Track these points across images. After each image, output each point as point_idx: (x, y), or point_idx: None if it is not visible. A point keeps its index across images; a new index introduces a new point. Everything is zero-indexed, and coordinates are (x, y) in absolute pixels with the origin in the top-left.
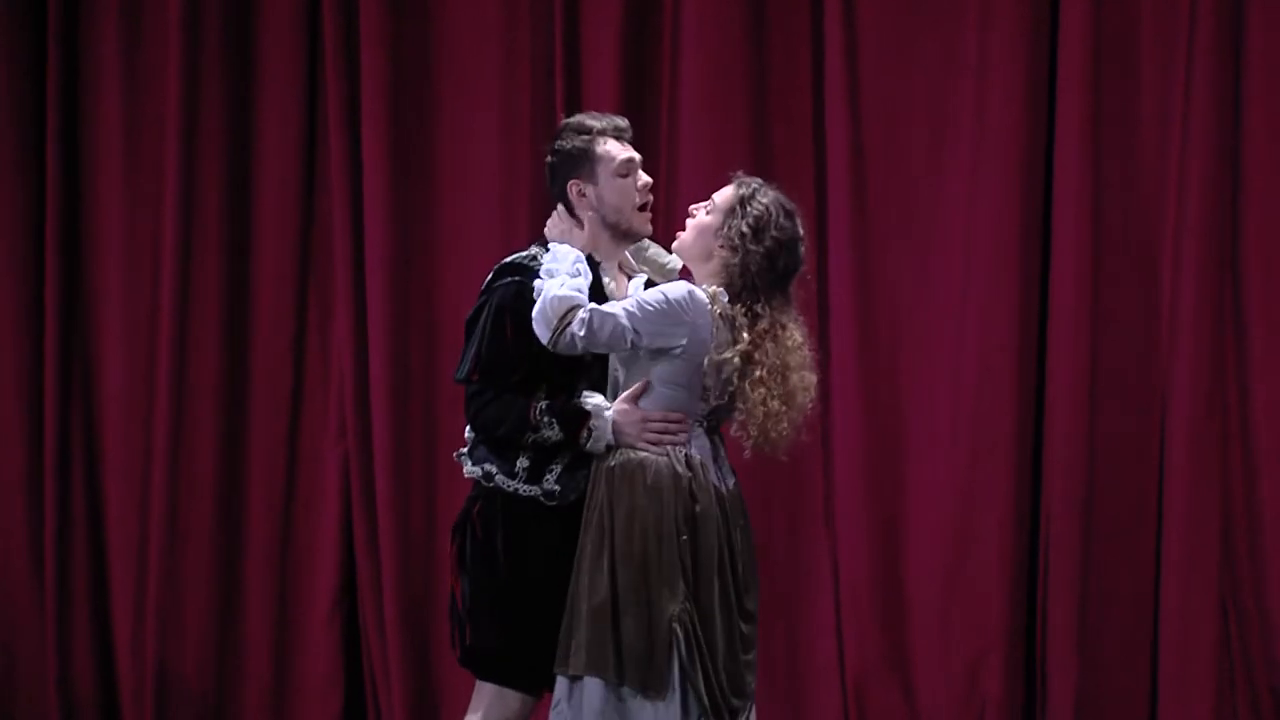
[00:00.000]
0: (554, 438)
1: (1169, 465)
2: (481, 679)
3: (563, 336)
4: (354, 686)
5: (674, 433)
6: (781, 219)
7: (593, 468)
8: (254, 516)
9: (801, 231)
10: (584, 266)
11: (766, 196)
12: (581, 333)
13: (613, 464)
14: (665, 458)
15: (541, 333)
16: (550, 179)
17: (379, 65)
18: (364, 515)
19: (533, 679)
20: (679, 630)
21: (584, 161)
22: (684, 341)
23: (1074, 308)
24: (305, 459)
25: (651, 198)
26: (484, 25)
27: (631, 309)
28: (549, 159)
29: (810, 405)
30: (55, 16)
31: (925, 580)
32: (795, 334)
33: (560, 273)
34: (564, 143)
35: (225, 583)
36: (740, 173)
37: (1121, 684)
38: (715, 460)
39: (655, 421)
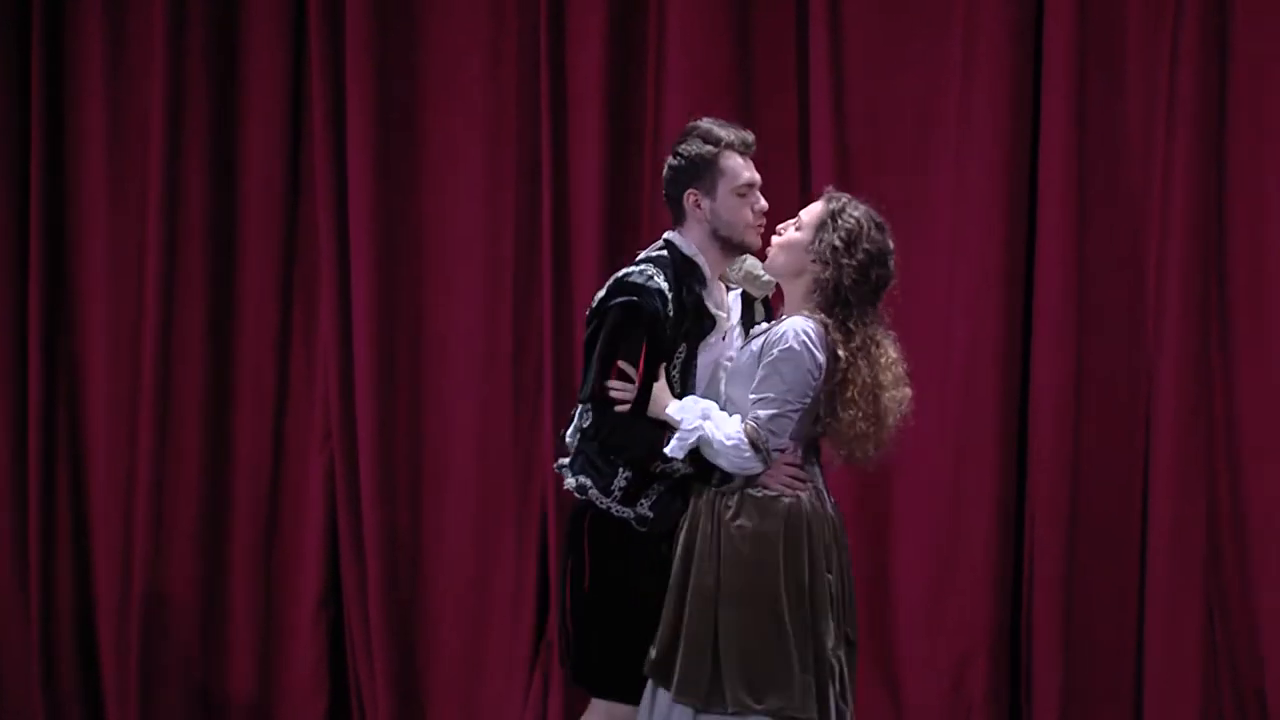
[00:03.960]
0: (684, 470)
1: (1154, 465)
2: (595, 696)
3: (765, 460)
4: (339, 690)
5: (801, 480)
6: (873, 231)
7: (699, 496)
8: (239, 519)
9: (892, 244)
10: (708, 406)
11: (857, 210)
12: (771, 442)
13: (751, 494)
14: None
15: (747, 470)
16: (669, 182)
17: (364, 66)
18: (349, 518)
19: (640, 690)
20: (835, 665)
21: (706, 172)
22: (821, 373)
23: (1059, 308)
24: (290, 461)
25: (764, 220)
26: (469, 27)
27: (779, 392)
28: (672, 160)
29: (900, 422)
30: (40, 18)
31: (911, 580)
32: (889, 350)
33: (711, 414)
34: (690, 148)
35: (210, 586)
36: (830, 188)
37: (1107, 684)
38: (823, 483)
39: (790, 465)
